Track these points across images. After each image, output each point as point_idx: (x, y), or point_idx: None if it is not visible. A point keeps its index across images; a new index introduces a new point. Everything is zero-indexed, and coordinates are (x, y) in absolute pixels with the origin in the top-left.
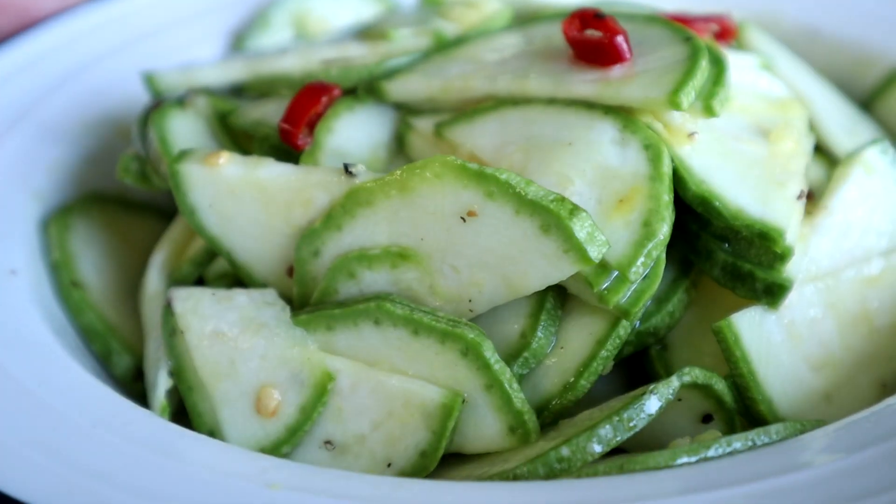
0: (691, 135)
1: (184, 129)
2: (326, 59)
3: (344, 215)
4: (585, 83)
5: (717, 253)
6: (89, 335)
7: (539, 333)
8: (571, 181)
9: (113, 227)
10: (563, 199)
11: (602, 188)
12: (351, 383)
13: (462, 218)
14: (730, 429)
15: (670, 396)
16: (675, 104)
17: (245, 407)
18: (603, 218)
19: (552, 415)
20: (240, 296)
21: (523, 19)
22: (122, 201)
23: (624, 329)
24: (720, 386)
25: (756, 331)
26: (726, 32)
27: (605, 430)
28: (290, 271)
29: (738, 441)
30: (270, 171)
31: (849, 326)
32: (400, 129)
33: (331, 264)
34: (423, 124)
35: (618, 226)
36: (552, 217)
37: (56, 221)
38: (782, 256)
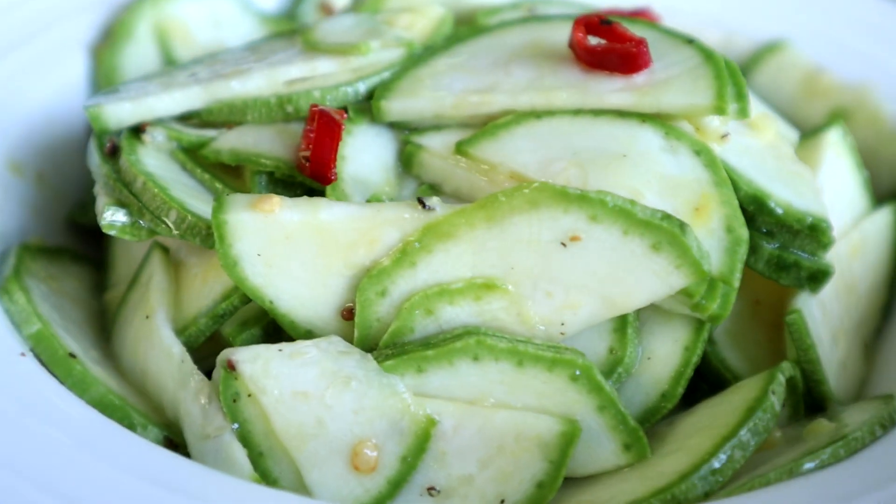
0: (724, 136)
1: (166, 172)
2: (291, 79)
3: (419, 251)
4: (617, 93)
5: (762, 247)
6: (105, 409)
7: (629, 348)
8: (642, 194)
9: (54, 284)
10: (669, 216)
11: (673, 198)
12: (454, 425)
13: (562, 243)
14: (796, 413)
15: (783, 393)
16: (720, 109)
17: (339, 466)
18: None
19: (650, 426)
20: (309, 349)
21: (469, 23)
22: (44, 250)
23: (707, 333)
24: (798, 374)
25: (809, 316)
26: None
27: (745, 435)
28: (347, 314)
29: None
30: (333, 212)
31: (844, 297)
32: (408, 150)
33: (403, 303)
34: (436, 143)
35: (701, 235)
36: (664, 234)
37: (12, 284)
38: (826, 244)
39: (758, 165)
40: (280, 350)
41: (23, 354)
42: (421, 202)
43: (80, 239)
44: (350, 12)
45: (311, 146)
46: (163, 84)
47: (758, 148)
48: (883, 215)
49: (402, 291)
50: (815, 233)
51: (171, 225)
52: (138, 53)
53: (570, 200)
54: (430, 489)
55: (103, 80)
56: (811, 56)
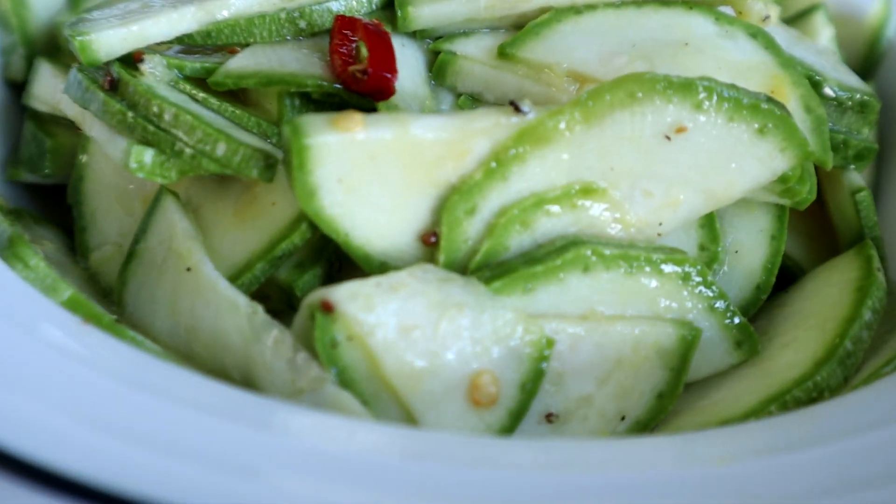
0: (765, 18)
1: (184, 103)
2: None
3: (513, 161)
4: None
5: None
6: None
7: (720, 243)
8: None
9: (38, 248)
10: (772, 98)
11: (746, 82)
12: (570, 343)
13: (667, 136)
14: None
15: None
16: None
17: (457, 403)
18: None
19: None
20: (407, 279)
21: None
22: (9, 212)
23: (787, 219)
24: None
25: None
26: None
27: (868, 315)
28: (426, 238)
29: None
30: (424, 124)
31: None
32: (442, 59)
33: (497, 219)
34: (471, 49)
35: None
36: (771, 117)
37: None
38: (872, 121)
39: (796, 46)
40: (378, 284)
41: (84, 322)
42: (515, 106)
43: (26, 198)
44: None
45: (355, 62)
46: (141, 7)
47: (782, 32)
48: None
49: (493, 207)
50: (864, 109)
51: (219, 158)
52: None
53: (675, 89)
54: (549, 416)
55: (14, 16)
56: None
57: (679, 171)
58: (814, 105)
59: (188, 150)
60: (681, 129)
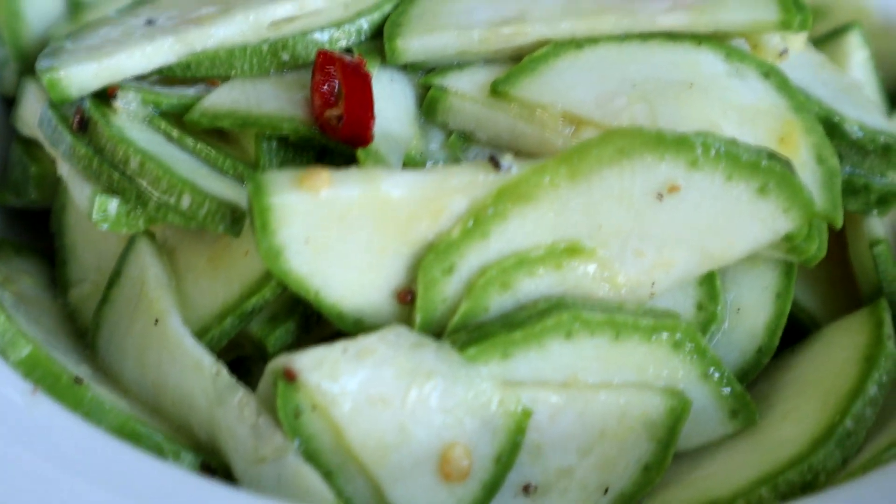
0: (783, 53)
1: (156, 145)
2: (277, 20)
3: (493, 219)
4: (669, 13)
5: None
6: (127, 437)
7: (720, 302)
8: (721, 128)
9: (12, 287)
10: (775, 154)
11: (754, 129)
12: (550, 413)
13: (658, 195)
14: None
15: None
16: (787, 24)
17: (427, 476)
18: None
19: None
20: (376, 344)
21: None
22: None
23: (794, 277)
24: None
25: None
26: None
27: (873, 390)
28: (403, 296)
29: None
30: (396, 182)
31: None
32: (432, 95)
33: (475, 280)
34: (464, 84)
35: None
36: (773, 176)
37: None
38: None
39: (817, 82)
40: (345, 350)
41: (34, 392)
42: (494, 162)
43: (10, 224)
44: None
45: (336, 102)
46: (121, 35)
47: (805, 61)
48: None
49: (473, 266)
50: (888, 153)
51: (184, 211)
52: None
53: (668, 146)
54: (526, 487)
55: (6, 29)
56: None
57: (672, 231)
58: (826, 155)
59: (152, 203)
60: (674, 188)
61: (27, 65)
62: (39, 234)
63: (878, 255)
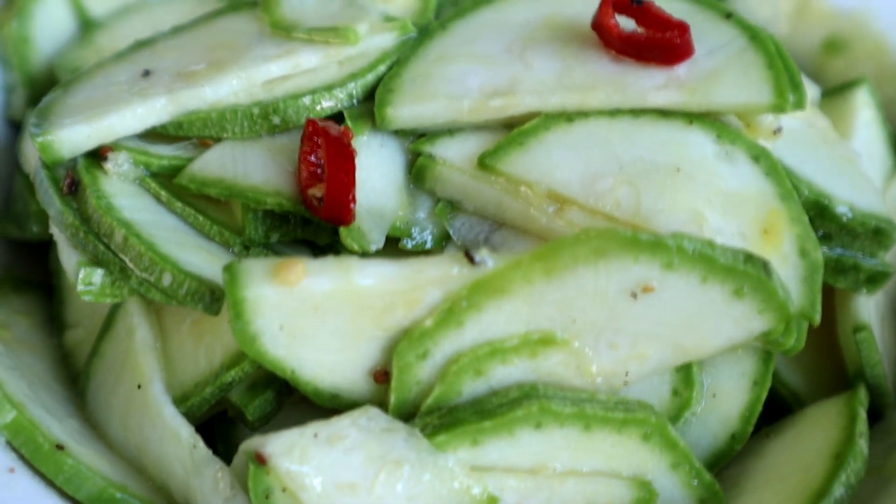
0: (777, 131)
1: (143, 212)
2: (270, 79)
3: (467, 310)
4: (662, 90)
5: None
6: None
7: (695, 388)
8: (704, 217)
9: (5, 335)
10: (752, 257)
11: (738, 218)
12: (517, 500)
13: (633, 294)
14: None
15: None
16: (780, 106)
17: None
18: None
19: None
20: (348, 429)
21: None
22: None
23: (773, 364)
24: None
25: (875, 328)
26: None
27: (839, 491)
28: (379, 376)
29: None
30: (368, 274)
31: None
32: (421, 163)
33: (449, 366)
34: (452, 153)
35: (775, 262)
36: (748, 279)
37: None
38: (888, 246)
39: (812, 158)
40: (315, 435)
41: (11, 470)
42: (469, 257)
43: (12, 255)
44: None
45: (321, 176)
46: (115, 90)
47: (804, 132)
48: None
49: (447, 352)
50: (879, 236)
51: (165, 289)
52: (50, 17)
53: (642, 248)
54: None
55: (14, 54)
56: None
57: (646, 326)
58: (809, 248)
59: (134, 277)
60: (648, 289)
61: (36, 90)
62: (43, 265)
63: (860, 342)
